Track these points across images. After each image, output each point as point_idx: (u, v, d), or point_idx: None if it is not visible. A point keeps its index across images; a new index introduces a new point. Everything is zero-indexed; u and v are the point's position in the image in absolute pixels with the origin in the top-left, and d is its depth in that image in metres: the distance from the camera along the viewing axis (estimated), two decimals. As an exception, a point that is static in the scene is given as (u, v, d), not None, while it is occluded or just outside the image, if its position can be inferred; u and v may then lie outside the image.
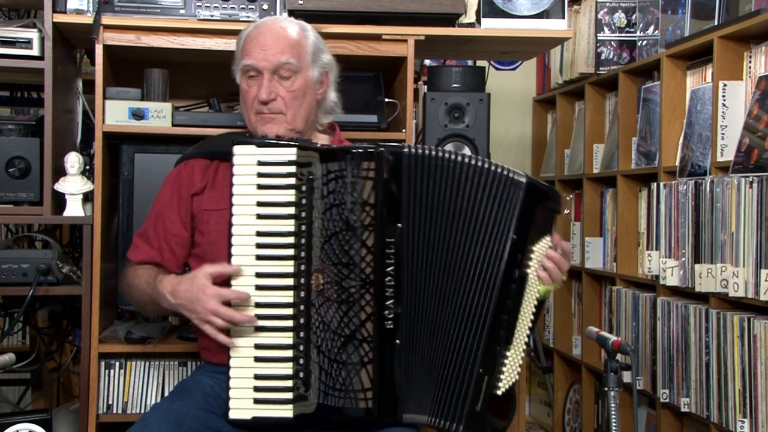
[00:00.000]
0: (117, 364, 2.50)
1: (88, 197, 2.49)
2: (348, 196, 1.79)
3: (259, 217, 1.83)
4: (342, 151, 1.82)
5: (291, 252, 1.82)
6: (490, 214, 1.84)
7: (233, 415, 1.82)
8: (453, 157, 1.83)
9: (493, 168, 1.84)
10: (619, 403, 2.17)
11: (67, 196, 2.46)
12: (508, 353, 1.86)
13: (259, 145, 1.85)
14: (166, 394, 2.44)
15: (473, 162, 1.83)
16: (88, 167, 2.57)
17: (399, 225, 1.80)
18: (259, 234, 1.83)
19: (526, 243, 1.85)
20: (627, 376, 2.72)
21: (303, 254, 1.82)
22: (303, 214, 1.82)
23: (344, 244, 1.80)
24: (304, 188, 1.82)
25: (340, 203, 1.80)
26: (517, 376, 1.88)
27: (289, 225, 1.82)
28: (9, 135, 2.48)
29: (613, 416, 2.17)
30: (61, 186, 2.46)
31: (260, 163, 1.84)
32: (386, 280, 1.80)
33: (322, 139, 2.13)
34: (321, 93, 2.09)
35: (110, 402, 2.50)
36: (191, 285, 1.83)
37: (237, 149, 1.85)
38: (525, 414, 3.60)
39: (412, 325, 1.82)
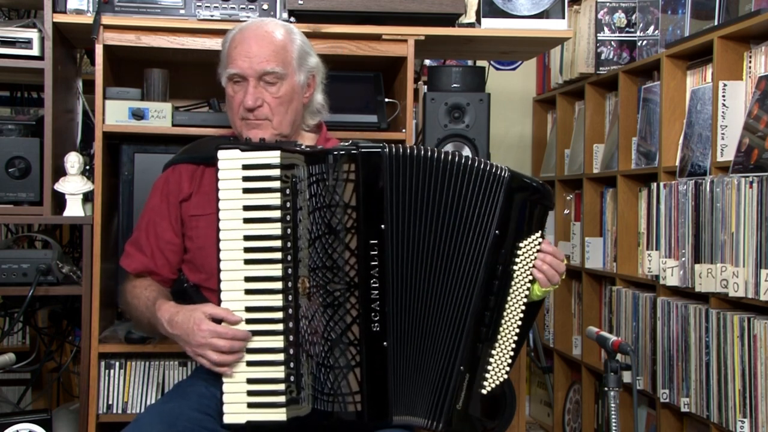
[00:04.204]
0: (117, 364, 2.50)
1: (88, 197, 2.48)
2: (330, 199, 1.78)
3: (246, 221, 1.83)
4: (324, 153, 1.81)
5: (278, 255, 1.82)
6: (472, 210, 1.82)
7: (227, 419, 1.82)
8: (435, 154, 1.82)
9: (475, 164, 1.83)
10: (619, 403, 2.17)
11: (67, 196, 2.46)
12: (493, 351, 1.85)
13: (243, 150, 1.85)
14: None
15: (456, 159, 1.82)
16: (88, 167, 2.57)
17: (382, 226, 1.79)
18: (247, 238, 1.83)
19: (510, 239, 1.84)
20: (627, 376, 2.72)
21: (290, 257, 1.81)
22: (288, 217, 1.81)
23: (328, 247, 1.79)
24: (288, 191, 1.81)
25: (322, 206, 1.79)
26: (506, 376, 1.87)
27: (276, 228, 1.82)
28: (9, 135, 2.48)
29: (613, 416, 2.17)
30: (61, 186, 2.45)
31: (245, 167, 1.84)
32: (371, 282, 1.78)
33: (307, 139, 2.12)
34: (308, 96, 2.08)
35: (110, 402, 2.50)
36: (188, 319, 1.84)
37: (221, 154, 1.85)
38: (525, 414, 3.60)
39: (399, 326, 1.81)
